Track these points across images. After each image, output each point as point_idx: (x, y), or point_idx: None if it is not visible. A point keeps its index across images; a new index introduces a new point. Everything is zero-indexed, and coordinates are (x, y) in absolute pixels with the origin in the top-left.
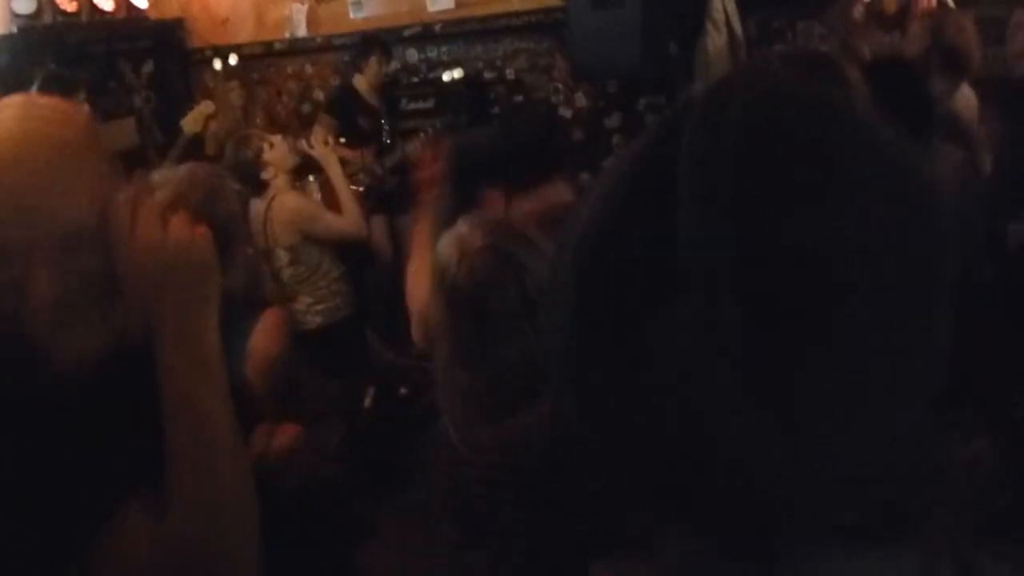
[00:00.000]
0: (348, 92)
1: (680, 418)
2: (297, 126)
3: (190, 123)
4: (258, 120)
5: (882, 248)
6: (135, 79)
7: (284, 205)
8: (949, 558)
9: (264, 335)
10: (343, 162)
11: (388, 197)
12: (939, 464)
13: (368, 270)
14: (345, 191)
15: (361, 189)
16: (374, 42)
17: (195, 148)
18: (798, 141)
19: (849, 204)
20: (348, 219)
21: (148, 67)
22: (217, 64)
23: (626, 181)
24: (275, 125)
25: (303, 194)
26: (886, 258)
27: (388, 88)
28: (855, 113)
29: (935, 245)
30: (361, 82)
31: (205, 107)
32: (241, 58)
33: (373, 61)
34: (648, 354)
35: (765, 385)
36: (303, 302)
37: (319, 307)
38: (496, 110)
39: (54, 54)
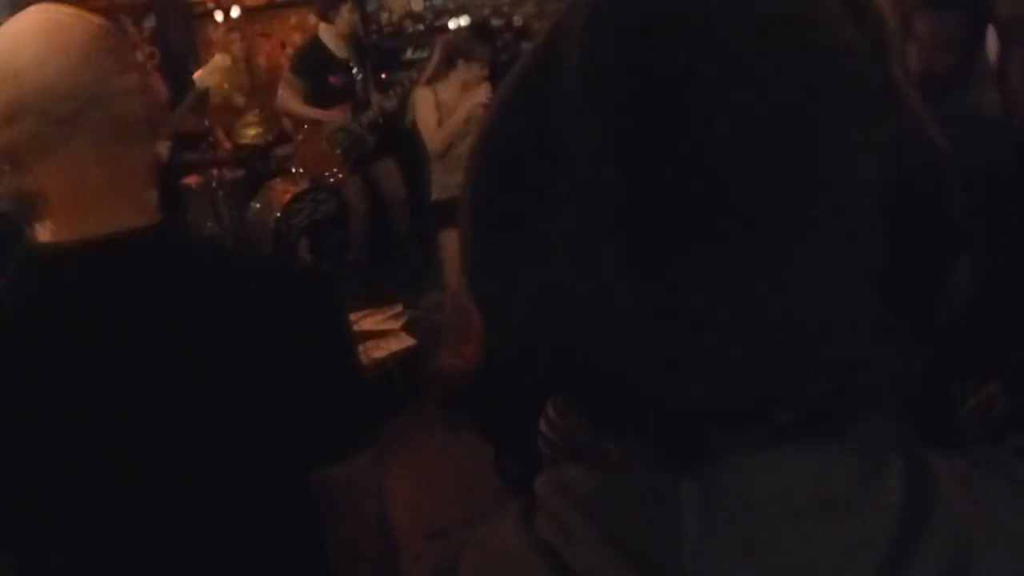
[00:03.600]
0: (314, 48)
1: (570, 316)
2: None
3: (205, 76)
4: (261, 73)
5: (779, 127)
6: (137, 34)
7: None
8: (899, 453)
9: None
10: (318, 125)
11: (367, 157)
12: (880, 360)
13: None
14: None
15: (338, 151)
16: None
17: (203, 101)
18: (691, 21)
19: (746, 87)
20: None
21: (150, 22)
22: (219, 16)
23: (517, 77)
24: (278, 78)
25: None
26: (784, 135)
27: (361, 38)
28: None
29: (854, 117)
30: (328, 34)
31: (221, 60)
32: (244, 10)
33: (345, 9)
34: (535, 252)
35: (653, 275)
36: None
37: None
38: (504, 58)
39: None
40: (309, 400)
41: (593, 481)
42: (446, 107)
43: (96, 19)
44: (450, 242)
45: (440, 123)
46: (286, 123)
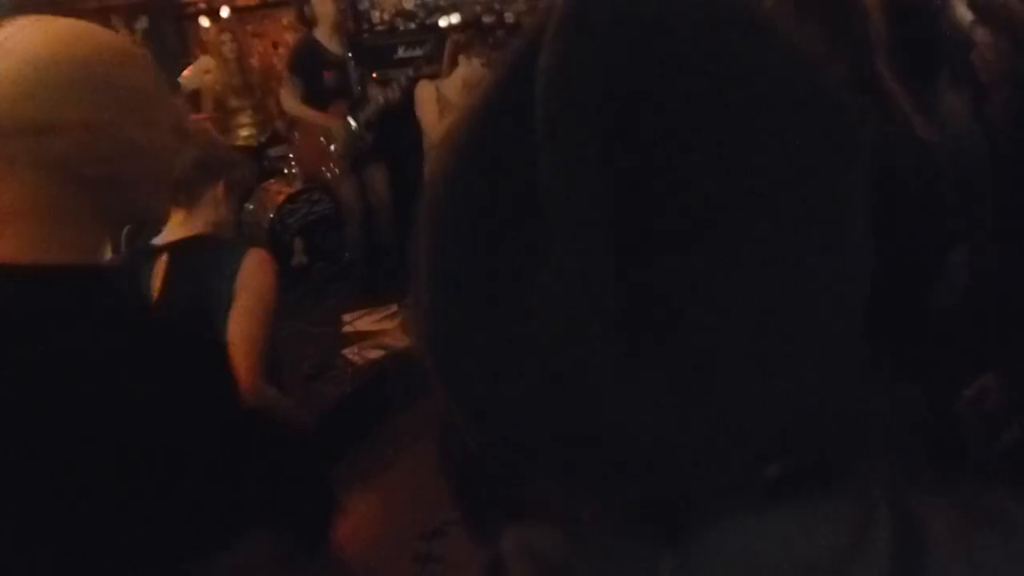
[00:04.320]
0: (309, 46)
1: (546, 371)
2: None
3: (189, 78)
4: (254, 74)
5: (777, 167)
6: (129, 35)
7: None
8: (886, 504)
9: (254, 274)
10: (317, 127)
11: (364, 156)
12: (867, 405)
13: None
14: None
15: (332, 148)
16: None
17: (191, 103)
18: (679, 46)
19: (740, 121)
20: None
21: (142, 23)
22: (204, 21)
23: (486, 99)
24: (271, 78)
25: None
26: (782, 178)
27: (352, 35)
28: (751, 13)
29: (839, 161)
30: (322, 33)
31: (205, 62)
32: (234, 10)
33: (329, 4)
34: (508, 298)
35: (642, 330)
36: None
37: None
38: (496, 55)
39: (46, 13)
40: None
41: (564, 546)
42: (447, 102)
43: (83, 49)
44: None
45: (441, 117)
46: (279, 124)
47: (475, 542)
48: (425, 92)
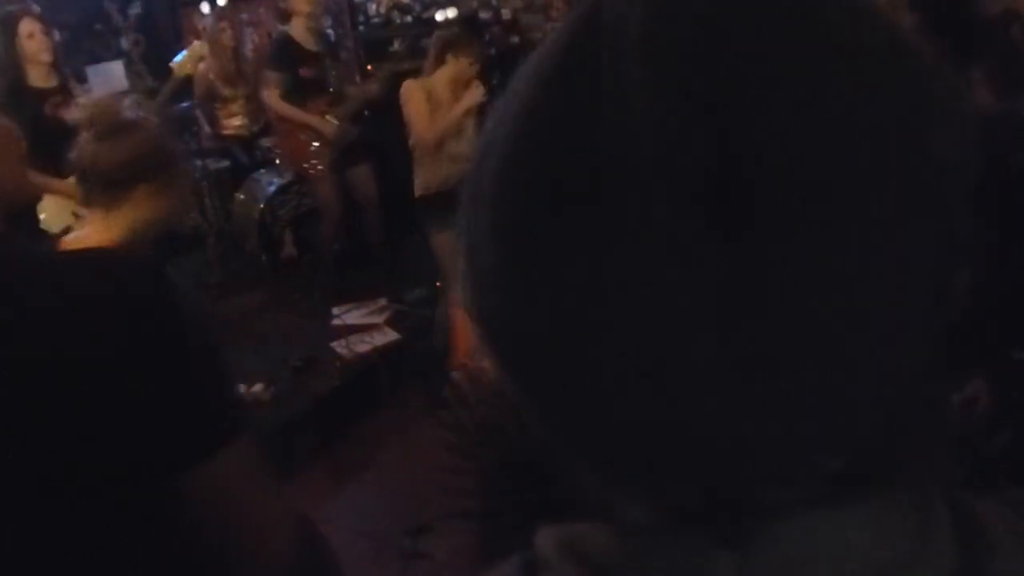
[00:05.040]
0: (284, 42)
1: (625, 355)
2: None
3: (182, 65)
4: (248, 63)
5: (876, 147)
6: (123, 21)
7: None
8: (943, 503)
9: None
10: (305, 126)
11: (349, 153)
12: (936, 400)
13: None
14: None
15: (315, 145)
16: None
17: (185, 90)
18: (776, 15)
19: (839, 93)
20: None
21: (136, 8)
22: (205, 8)
23: (548, 81)
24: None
25: None
26: (880, 157)
27: (325, 33)
28: None
29: (940, 142)
30: (296, 29)
31: (198, 48)
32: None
33: (303, 1)
34: (582, 285)
35: (734, 314)
36: None
37: None
38: (492, 51)
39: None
40: (159, 399)
41: (611, 547)
42: (436, 101)
43: None
44: (446, 244)
45: (432, 116)
46: (271, 114)
47: (482, 543)
48: (413, 92)
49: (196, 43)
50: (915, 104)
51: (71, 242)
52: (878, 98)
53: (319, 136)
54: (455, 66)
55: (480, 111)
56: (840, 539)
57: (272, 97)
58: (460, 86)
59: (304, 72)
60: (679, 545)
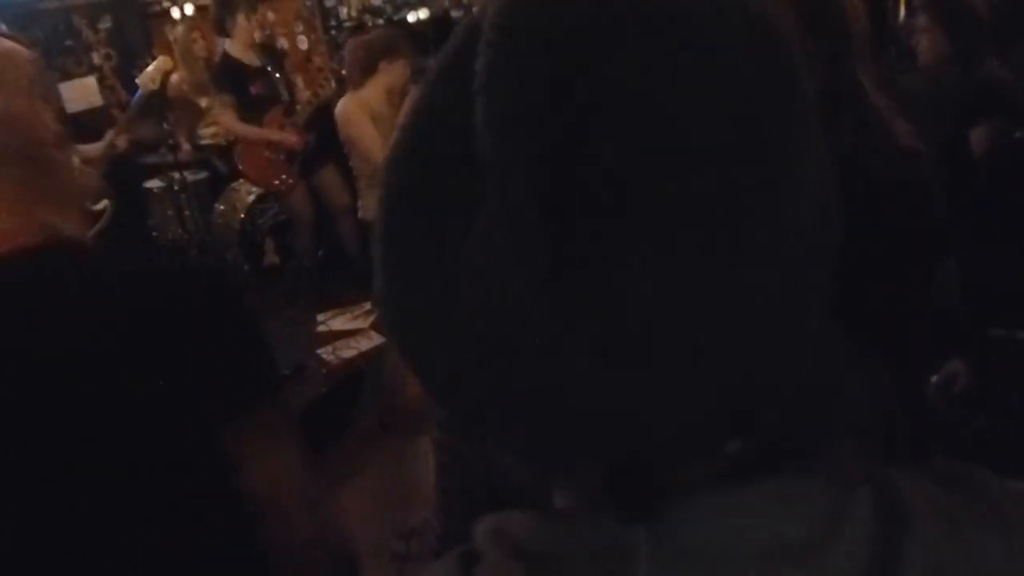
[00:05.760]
0: (226, 62)
1: (486, 332)
2: None
3: (147, 80)
4: None
5: (717, 124)
6: (93, 36)
7: None
8: (867, 482)
9: None
10: (267, 142)
11: (312, 159)
12: (840, 384)
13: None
14: None
15: (281, 159)
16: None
17: (159, 103)
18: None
19: (676, 78)
20: None
21: (106, 23)
22: (175, 14)
23: (433, 82)
24: None
25: None
26: (721, 137)
27: (266, 43)
28: None
29: (786, 118)
30: (234, 47)
31: (162, 63)
32: (198, 8)
33: (240, 18)
34: (451, 273)
35: (569, 290)
36: None
37: None
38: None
39: (7, 14)
40: (207, 363)
41: (536, 532)
42: (381, 119)
43: None
44: None
45: (381, 136)
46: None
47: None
48: (354, 113)
49: (160, 58)
50: (755, 86)
51: None
52: (716, 84)
53: (283, 148)
54: (389, 73)
55: None
56: (750, 516)
57: (229, 121)
58: (396, 94)
59: (254, 89)
60: (597, 526)
